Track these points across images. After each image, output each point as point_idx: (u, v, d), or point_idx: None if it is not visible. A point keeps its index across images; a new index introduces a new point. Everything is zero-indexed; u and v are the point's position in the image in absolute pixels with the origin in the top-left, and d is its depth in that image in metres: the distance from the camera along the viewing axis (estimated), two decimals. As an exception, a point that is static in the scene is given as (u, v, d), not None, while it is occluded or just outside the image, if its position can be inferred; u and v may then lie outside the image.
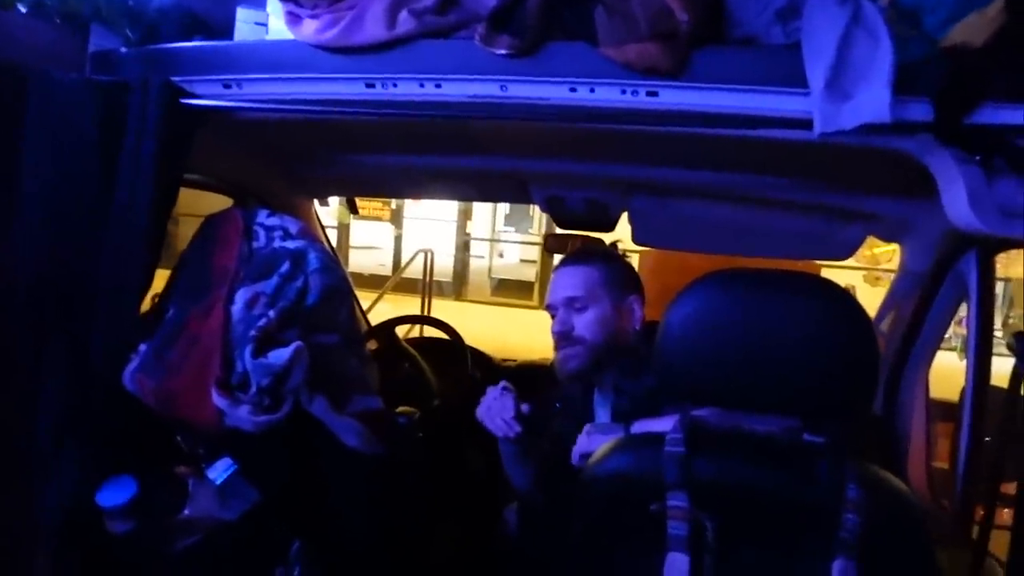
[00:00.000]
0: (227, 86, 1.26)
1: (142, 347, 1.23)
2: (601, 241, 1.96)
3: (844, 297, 1.02)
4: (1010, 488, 1.27)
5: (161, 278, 1.33)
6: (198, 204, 1.74)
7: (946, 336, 1.78)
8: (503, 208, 12.51)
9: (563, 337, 1.54)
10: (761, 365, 1.00)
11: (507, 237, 12.95)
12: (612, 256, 1.66)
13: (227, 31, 1.33)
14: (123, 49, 1.33)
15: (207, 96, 1.25)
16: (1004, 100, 0.99)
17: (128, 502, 1.14)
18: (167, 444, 1.28)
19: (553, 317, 1.57)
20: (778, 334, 0.99)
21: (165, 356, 1.21)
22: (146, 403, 1.20)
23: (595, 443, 1.25)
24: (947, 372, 1.97)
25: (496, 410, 1.50)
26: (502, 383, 1.54)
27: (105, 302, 1.19)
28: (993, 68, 0.98)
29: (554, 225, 2.23)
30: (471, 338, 2.52)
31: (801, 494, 1.01)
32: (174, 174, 1.26)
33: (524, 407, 1.50)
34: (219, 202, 1.69)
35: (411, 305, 7.30)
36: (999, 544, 1.29)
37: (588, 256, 1.62)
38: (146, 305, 1.31)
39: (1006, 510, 1.34)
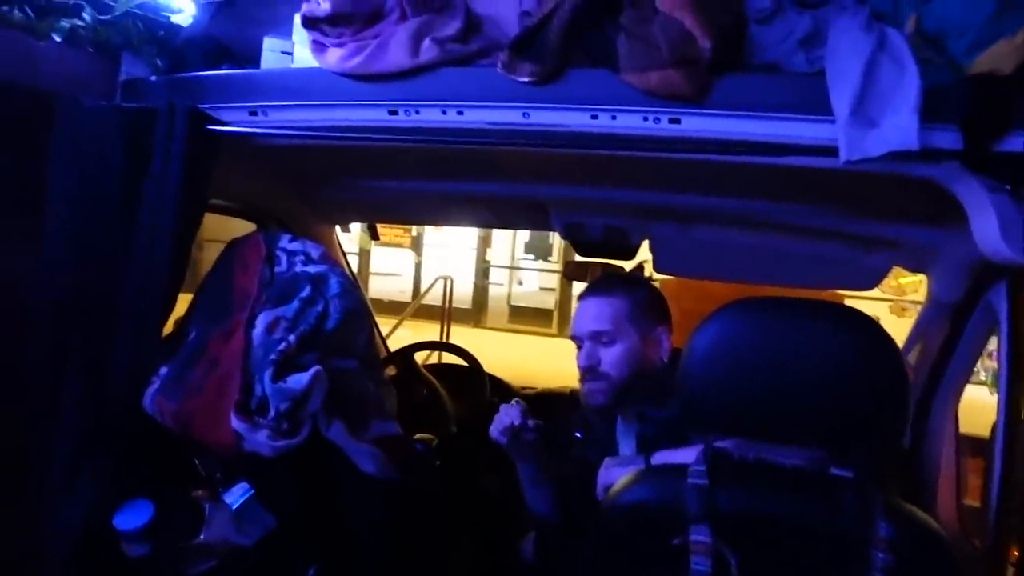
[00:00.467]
0: (253, 113, 1.28)
1: (163, 370, 1.23)
2: (622, 268, 1.95)
3: (871, 325, 1.00)
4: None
5: (184, 302, 1.34)
6: (224, 229, 1.76)
7: (976, 369, 1.73)
8: (523, 236, 12.53)
9: (589, 371, 1.52)
10: (787, 395, 0.98)
11: (527, 265, 12.96)
12: (639, 283, 1.64)
13: (254, 59, 1.36)
14: (152, 77, 1.35)
15: (233, 123, 1.27)
16: None
17: (145, 526, 1.14)
18: (185, 468, 1.27)
19: (579, 348, 1.55)
20: (804, 363, 0.97)
21: (185, 378, 1.21)
22: (165, 425, 1.20)
23: (613, 476, 1.22)
24: (977, 406, 1.92)
25: (504, 421, 1.50)
26: (513, 400, 1.54)
27: (127, 325, 1.20)
28: (1022, 95, 0.96)
29: (574, 253, 2.23)
30: (490, 365, 2.51)
31: (827, 528, 0.98)
32: (199, 199, 1.28)
33: (531, 422, 1.49)
34: (245, 228, 1.71)
35: (430, 332, 7.32)
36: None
37: (615, 287, 1.58)
38: (169, 328, 1.31)
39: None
